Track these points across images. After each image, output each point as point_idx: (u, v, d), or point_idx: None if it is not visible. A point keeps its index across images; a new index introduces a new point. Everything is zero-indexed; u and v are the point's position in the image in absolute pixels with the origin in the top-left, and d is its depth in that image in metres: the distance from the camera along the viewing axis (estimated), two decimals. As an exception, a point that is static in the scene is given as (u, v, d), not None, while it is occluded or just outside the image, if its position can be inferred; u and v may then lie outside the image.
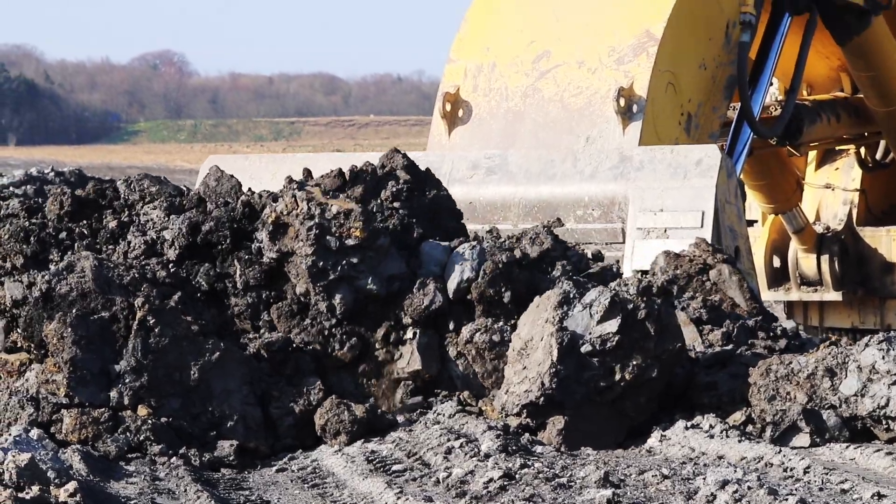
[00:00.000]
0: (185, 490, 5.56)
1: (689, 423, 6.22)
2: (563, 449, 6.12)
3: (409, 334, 6.82)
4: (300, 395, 6.61)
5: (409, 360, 6.78)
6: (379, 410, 6.63)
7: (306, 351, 6.79)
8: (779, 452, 5.72)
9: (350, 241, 6.74)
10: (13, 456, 5.18)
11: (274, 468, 6.20)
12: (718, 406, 6.40)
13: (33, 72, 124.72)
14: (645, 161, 9.01)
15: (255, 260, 6.94)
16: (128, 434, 6.32)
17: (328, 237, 6.73)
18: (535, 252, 7.14)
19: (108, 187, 7.67)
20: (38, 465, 5.15)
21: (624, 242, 8.78)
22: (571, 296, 6.33)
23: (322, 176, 7.34)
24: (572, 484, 5.27)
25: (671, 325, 6.33)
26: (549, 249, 7.18)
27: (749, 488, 4.92)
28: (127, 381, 6.39)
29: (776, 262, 14.46)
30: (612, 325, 6.23)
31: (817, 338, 7.37)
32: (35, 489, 5.00)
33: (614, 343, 6.21)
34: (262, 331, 6.89)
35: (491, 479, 5.27)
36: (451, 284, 6.84)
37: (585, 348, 6.22)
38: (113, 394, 6.39)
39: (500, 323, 6.76)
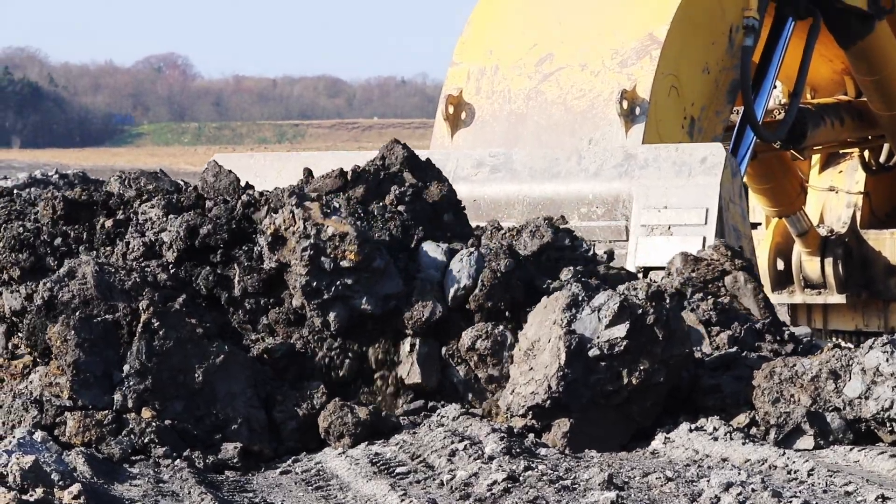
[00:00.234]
0: (189, 492, 5.57)
1: (693, 426, 6.22)
2: (567, 451, 6.12)
3: (408, 346, 6.76)
4: (304, 399, 6.60)
5: (408, 371, 6.75)
6: (383, 413, 6.62)
7: (307, 356, 6.77)
8: (783, 455, 5.72)
9: (345, 263, 6.67)
10: (17, 458, 5.18)
11: (278, 470, 6.20)
12: (722, 408, 6.40)
13: (37, 74, 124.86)
14: (649, 159, 9.03)
15: (254, 267, 6.91)
16: (132, 436, 6.32)
17: (323, 258, 6.64)
18: (536, 245, 7.12)
19: (102, 188, 7.60)
20: (41, 468, 5.15)
21: (628, 240, 8.80)
22: (580, 298, 6.32)
23: (323, 176, 7.31)
24: (576, 486, 5.27)
25: (679, 331, 6.32)
26: (549, 243, 7.16)
27: (753, 490, 4.92)
28: (131, 383, 6.39)
29: (780, 265, 14.46)
30: (621, 330, 6.22)
31: (825, 342, 7.37)
32: (39, 491, 5.00)
33: (622, 348, 6.20)
34: (262, 333, 6.88)
35: (495, 482, 5.28)
36: (449, 292, 6.78)
37: (593, 352, 6.21)
38: (117, 396, 6.39)
39: (500, 328, 6.73)
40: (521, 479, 5.32)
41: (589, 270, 7.13)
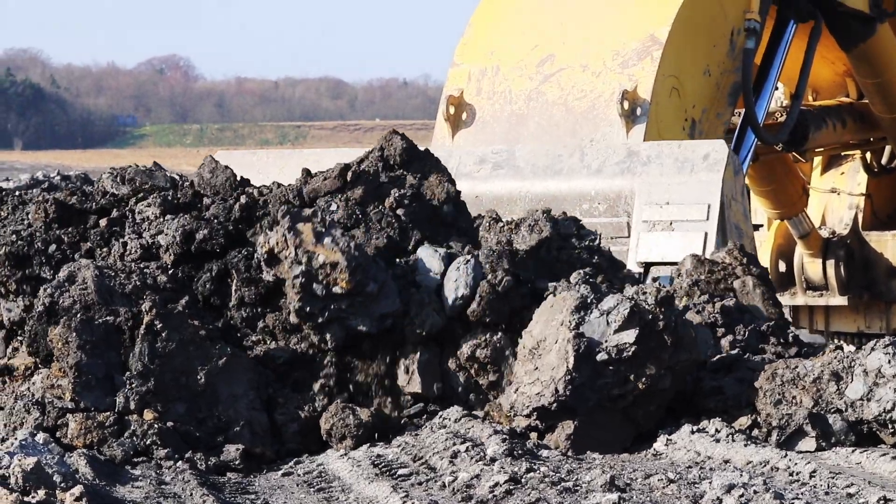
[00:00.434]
0: (191, 494, 5.57)
1: (695, 428, 6.22)
2: (569, 453, 6.12)
3: (407, 357, 6.72)
4: (306, 401, 6.60)
5: (409, 380, 6.73)
6: (385, 415, 6.61)
7: (308, 360, 6.74)
8: (785, 456, 5.72)
9: (337, 290, 6.58)
10: (19, 460, 5.19)
11: (280, 472, 6.19)
12: (724, 410, 6.40)
13: (39, 76, 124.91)
14: (652, 156, 9.04)
15: (252, 277, 6.84)
16: (134, 438, 6.32)
17: (315, 284, 6.56)
18: (534, 240, 7.10)
19: (94, 186, 7.53)
20: (44, 469, 5.15)
21: (629, 236, 8.80)
22: (589, 301, 6.30)
23: (322, 176, 7.25)
24: (578, 488, 5.27)
25: (687, 337, 6.32)
26: (547, 238, 7.14)
27: (755, 492, 4.92)
28: (133, 385, 6.39)
29: (782, 267, 14.45)
30: (630, 336, 6.20)
31: (830, 344, 7.36)
32: (41, 493, 5.01)
33: (631, 353, 6.19)
34: (262, 335, 6.86)
35: (497, 484, 5.27)
36: (447, 302, 6.70)
37: (601, 356, 6.19)
38: (119, 398, 6.39)
39: (500, 335, 6.69)
40: (523, 480, 5.32)
41: (595, 264, 7.09)
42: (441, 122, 10.37)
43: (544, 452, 6.02)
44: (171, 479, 5.95)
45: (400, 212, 7.12)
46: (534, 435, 6.27)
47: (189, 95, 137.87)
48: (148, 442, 6.31)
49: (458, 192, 7.37)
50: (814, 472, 5.46)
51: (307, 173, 7.36)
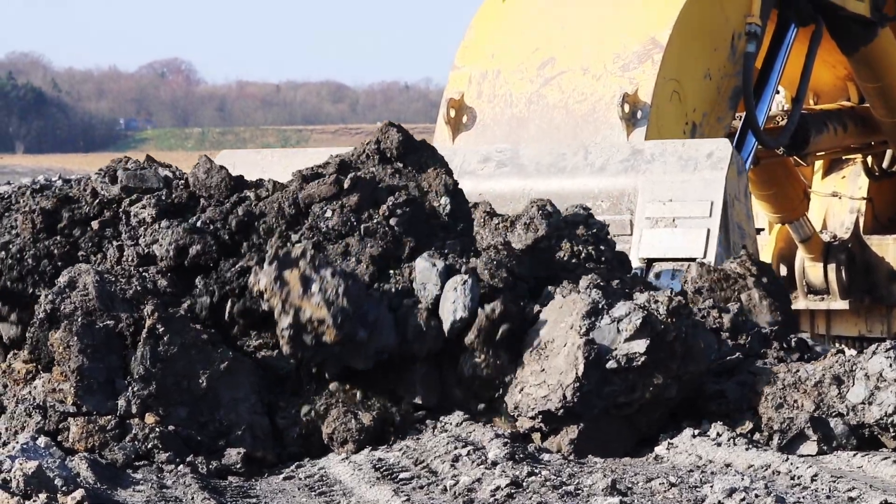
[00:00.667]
0: (193, 498, 5.57)
1: (696, 431, 6.22)
2: (571, 457, 6.12)
3: (408, 371, 6.67)
4: (307, 405, 6.60)
5: (409, 391, 6.69)
6: (388, 418, 6.60)
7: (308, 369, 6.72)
8: (786, 460, 5.72)
9: (326, 339, 6.48)
10: (20, 464, 5.19)
11: (281, 476, 6.19)
12: (726, 414, 6.39)
13: (41, 80, 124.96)
14: (656, 154, 9.05)
15: (248, 308, 6.80)
16: (135, 442, 6.32)
17: (304, 335, 6.49)
18: (530, 239, 7.08)
19: (81, 186, 7.44)
20: (45, 473, 5.16)
21: (632, 234, 8.81)
22: (600, 306, 6.28)
23: (319, 181, 7.19)
24: (580, 492, 5.27)
25: (696, 347, 6.31)
26: (543, 236, 7.12)
27: (756, 496, 4.92)
28: (135, 389, 6.39)
29: (783, 271, 14.46)
30: (641, 346, 6.18)
31: (831, 349, 7.36)
32: (42, 497, 5.01)
33: (640, 363, 6.18)
34: (262, 339, 6.84)
35: (498, 487, 5.27)
36: (446, 324, 6.58)
37: (610, 364, 6.18)
38: (121, 402, 6.39)
39: (500, 352, 6.60)
40: (524, 484, 5.32)
41: (598, 240, 7.06)
42: (442, 126, 10.38)
43: (546, 456, 6.02)
44: (172, 483, 5.95)
45: (393, 221, 6.98)
46: (536, 436, 6.27)
47: (190, 99, 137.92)
48: (149, 446, 6.31)
49: (456, 183, 7.31)
50: (815, 475, 5.46)
51: (303, 178, 7.23)
